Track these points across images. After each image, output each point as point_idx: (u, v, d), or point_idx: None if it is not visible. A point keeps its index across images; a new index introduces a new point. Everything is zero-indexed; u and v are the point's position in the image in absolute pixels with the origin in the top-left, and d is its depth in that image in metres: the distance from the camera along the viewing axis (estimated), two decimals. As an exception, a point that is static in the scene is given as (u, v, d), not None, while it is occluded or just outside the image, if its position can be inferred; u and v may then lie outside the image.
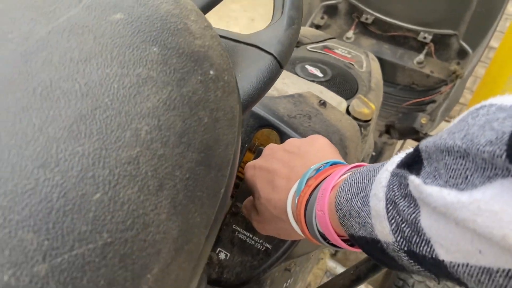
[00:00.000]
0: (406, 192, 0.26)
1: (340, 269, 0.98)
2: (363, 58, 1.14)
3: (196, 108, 0.24)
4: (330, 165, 0.39)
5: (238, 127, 0.28)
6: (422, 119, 1.40)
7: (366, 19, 1.52)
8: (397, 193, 0.26)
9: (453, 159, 0.22)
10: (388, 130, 1.49)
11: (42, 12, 0.23)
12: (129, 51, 0.23)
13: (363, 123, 0.83)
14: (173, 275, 0.21)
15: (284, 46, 0.35)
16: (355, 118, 0.82)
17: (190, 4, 0.28)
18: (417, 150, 0.26)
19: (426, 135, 1.44)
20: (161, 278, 0.20)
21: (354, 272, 0.55)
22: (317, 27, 1.59)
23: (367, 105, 0.87)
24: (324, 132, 0.62)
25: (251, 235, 0.56)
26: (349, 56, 1.13)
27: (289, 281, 0.75)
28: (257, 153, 0.58)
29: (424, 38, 1.44)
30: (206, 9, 0.43)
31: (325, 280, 0.97)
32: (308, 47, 1.13)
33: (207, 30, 0.28)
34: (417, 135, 1.43)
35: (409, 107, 1.50)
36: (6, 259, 0.17)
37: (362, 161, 0.97)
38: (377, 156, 1.44)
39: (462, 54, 1.42)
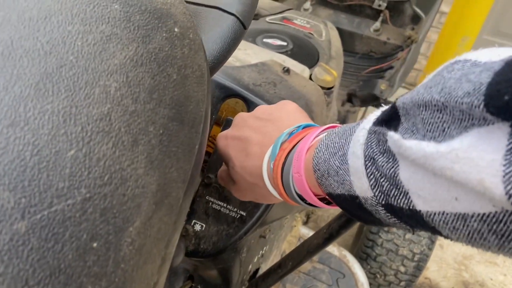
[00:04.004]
0: (384, 148, 0.26)
1: (312, 235, 1.01)
2: (322, 28, 1.15)
3: (164, 65, 0.24)
4: (303, 128, 0.39)
5: (207, 85, 0.28)
6: (382, 85, 1.44)
7: (322, -11, 1.53)
8: (375, 150, 0.27)
9: (430, 113, 0.23)
10: (350, 98, 1.52)
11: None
12: (90, 8, 0.22)
13: (327, 90, 0.84)
14: (155, 228, 0.21)
15: (246, 6, 0.35)
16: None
17: (148, -38, 0.28)
18: (394, 107, 0.27)
19: (386, 101, 1.48)
20: (143, 231, 0.21)
21: (327, 230, 0.57)
22: (275, -1, 1.58)
23: (329, 72, 0.89)
24: (290, 98, 0.62)
25: (225, 205, 0.57)
26: (308, 26, 1.13)
27: (264, 248, 0.77)
28: (226, 124, 0.58)
29: (379, 5, 1.47)
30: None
31: (299, 246, 1.00)
32: (267, 19, 1.13)
33: (168, -12, 0.27)
34: (378, 101, 1.47)
35: (368, 75, 1.53)
36: (-17, 219, 0.16)
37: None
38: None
39: (415, 19, 1.45)
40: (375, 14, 1.50)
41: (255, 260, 0.73)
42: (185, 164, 0.24)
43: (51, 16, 0.21)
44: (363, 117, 1.65)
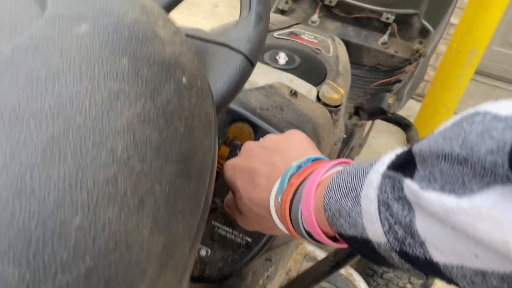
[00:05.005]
0: (400, 195, 0.26)
1: (318, 252, 1.00)
2: (329, 43, 1.15)
3: (171, 119, 0.24)
4: (311, 161, 0.39)
5: (214, 132, 0.28)
6: (389, 99, 1.43)
7: (330, 2, 1.52)
8: (390, 196, 0.26)
9: (449, 165, 0.22)
10: (357, 111, 1.51)
11: (2, 28, 0.22)
12: (98, 64, 0.22)
13: (334, 108, 0.84)
14: (160, 291, 0.21)
15: (254, 43, 0.35)
16: (325, 104, 0.82)
17: (157, 9, 0.27)
18: (409, 153, 0.26)
19: (393, 115, 1.47)
20: (148, 296, 0.20)
21: (333, 258, 0.57)
22: (282, 12, 1.58)
23: (336, 90, 0.88)
24: (297, 122, 0.62)
25: (230, 230, 0.57)
26: (315, 41, 1.13)
27: (270, 269, 0.76)
28: (232, 148, 0.58)
29: (387, 18, 1.46)
30: (169, 7, 0.41)
31: (305, 264, 0.99)
32: (275, 34, 1.13)
33: (176, 35, 0.27)
34: (385, 115, 1.46)
35: (376, 88, 1.53)
36: (-13, 295, 0.16)
37: (334, 144, 0.98)
38: (348, 138, 1.46)
39: (424, 33, 1.45)
40: (383, 27, 1.50)
41: (261, 282, 0.72)
42: (191, 220, 0.24)
43: (59, 75, 0.21)
44: (370, 130, 1.64)
